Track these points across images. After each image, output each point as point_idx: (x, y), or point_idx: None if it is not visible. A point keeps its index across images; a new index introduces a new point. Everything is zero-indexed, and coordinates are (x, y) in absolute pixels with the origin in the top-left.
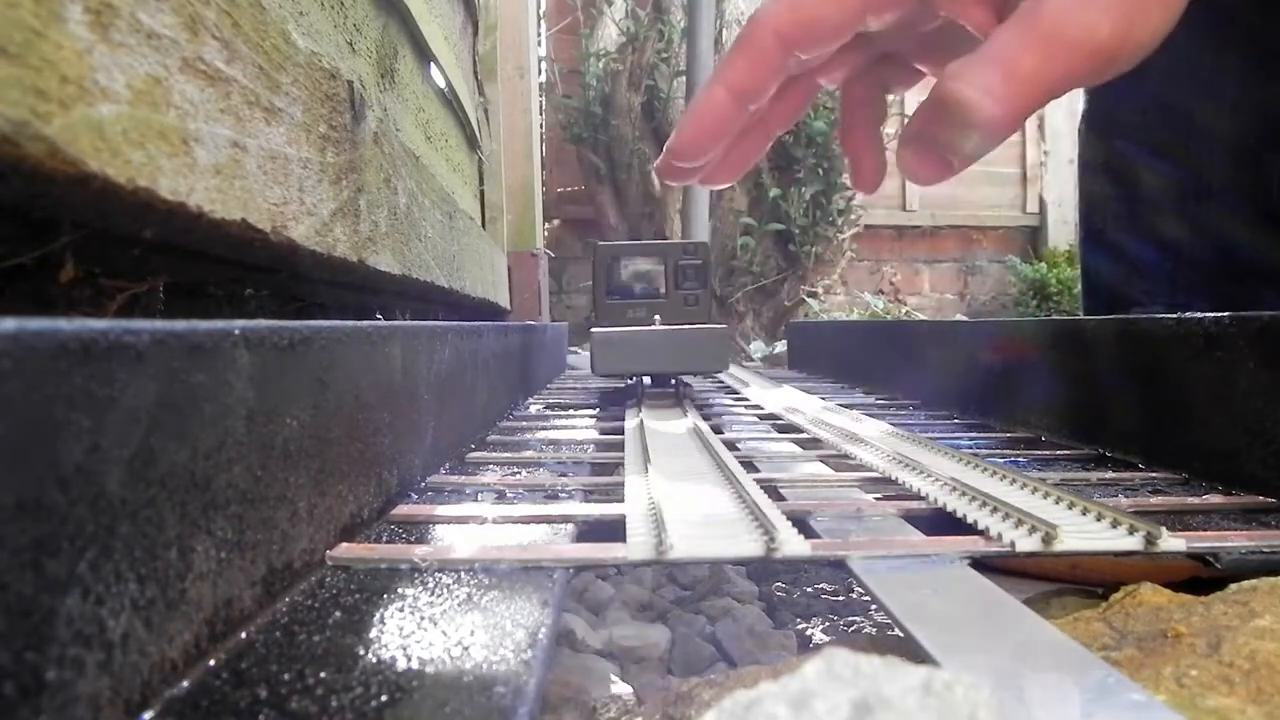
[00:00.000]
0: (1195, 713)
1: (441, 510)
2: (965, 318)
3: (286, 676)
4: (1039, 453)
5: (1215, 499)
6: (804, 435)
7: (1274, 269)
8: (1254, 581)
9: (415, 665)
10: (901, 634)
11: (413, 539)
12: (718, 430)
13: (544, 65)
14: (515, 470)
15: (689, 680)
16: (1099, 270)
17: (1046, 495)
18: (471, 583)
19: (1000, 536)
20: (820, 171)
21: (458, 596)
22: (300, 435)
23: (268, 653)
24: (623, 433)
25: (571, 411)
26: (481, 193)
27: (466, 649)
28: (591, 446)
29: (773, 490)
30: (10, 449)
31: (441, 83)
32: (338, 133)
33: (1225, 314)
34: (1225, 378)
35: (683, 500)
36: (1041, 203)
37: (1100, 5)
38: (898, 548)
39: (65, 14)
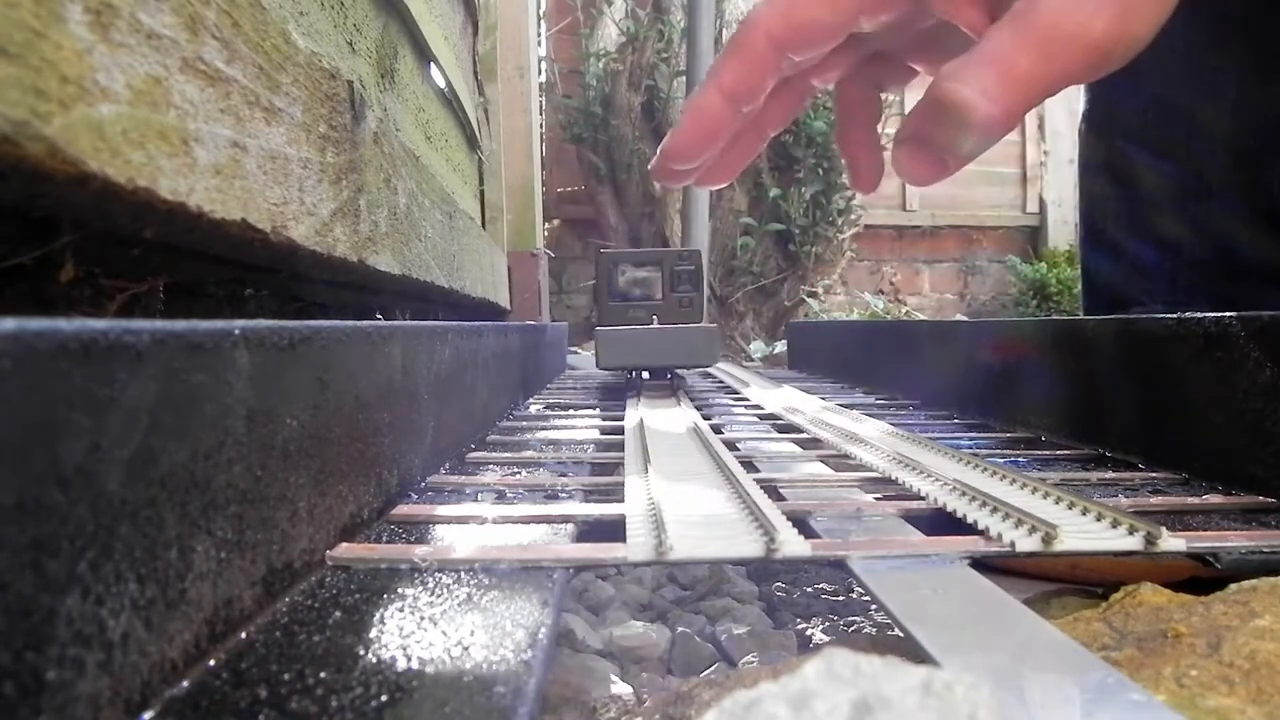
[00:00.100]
0: (1195, 713)
1: (441, 510)
2: (965, 318)
3: (286, 676)
4: (1039, 453)
5: (1215, 499)
6: (804, 435)
7: (1274, 269)
8: (1254, 581)
9: (415, 665)
10: (901, 634)
11: (413, 539)
12: (718, 430)
13: (544, 65)
14: (515, 470)
15: (689, 680)
16: (1099, 270)
17: (1046, 495)
18: (471, 583)
19: (1000, 536)
20: (820, 171)
21: (458, 596)
22: (300, 435)
23: (268, 653)
24: (623, 433)
25: (571, 411)
26: (481, 193)
27: (466, 649)
28: (591, 446)
29: (773, 490)
30: (10, 449)
31: (441, 83)
32: (338, 133)
33: (1225, 314)
34: (1225, 378)
35: (683, 500)
36: (1041, 203)
37: (1093, 3)
38: (898, 548)
39: (65, 14)
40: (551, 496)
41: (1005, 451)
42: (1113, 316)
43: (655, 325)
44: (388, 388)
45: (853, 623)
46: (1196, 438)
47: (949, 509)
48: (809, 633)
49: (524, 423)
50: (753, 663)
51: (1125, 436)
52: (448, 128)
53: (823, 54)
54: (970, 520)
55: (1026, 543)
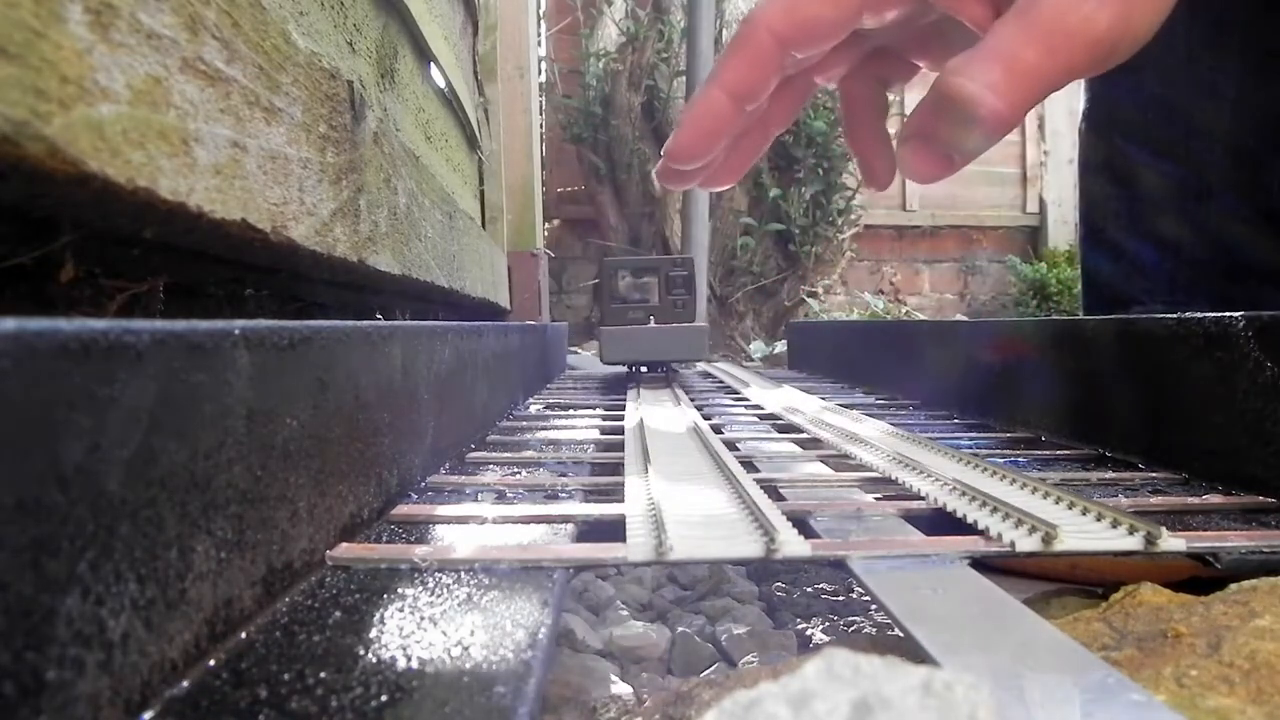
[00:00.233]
0: (1195, 713)
1: (441, 510)
2: (965, 318)
3: (286, 676)
4: (1039, 453)
5: (1215, 499)
6: (804, 435)
7: (1274, 269)
8: (1254, 581)
9: (415, 665)
10: (901, 634)
11: (413, 539)
12: (718, 430)
13: (544, 65)
14: (515, 470)
15: (689, 680)
16: (1099, 270)
17: (1046, 495)
18: (471, 583)
19: (1000, 536)
20: (820, 171)
21: (458, 596)
22: (300, 435)
23: (268, 653)
24: (623, 433)
25: (571, 411)
26: (481, 193)
27: (466, 649)
28: (591, 446)
29: (773, 490)
30: (10, 449)
31: (441, 83)
32: (338, 133)
33: (1225, 314)
34: (1225, 378)
35: (683, 500)
36: (1041, 203)
37: None
38: (898, 548)
39: (65, 14)
40: (551, 496)
41: (1005, 451)
42: (1113, 316)
43: (652, 325)
44: (388, 388)
45: (853, 623)
46: (1196, 438)
47: (949, 509)
48: (809, 633)
49: (524, 423)
50: (753, 663)
51: (1125, 436)
52: (448, 128)
53: (825, 51)
54: (970, 520)
55: (1026, 543)
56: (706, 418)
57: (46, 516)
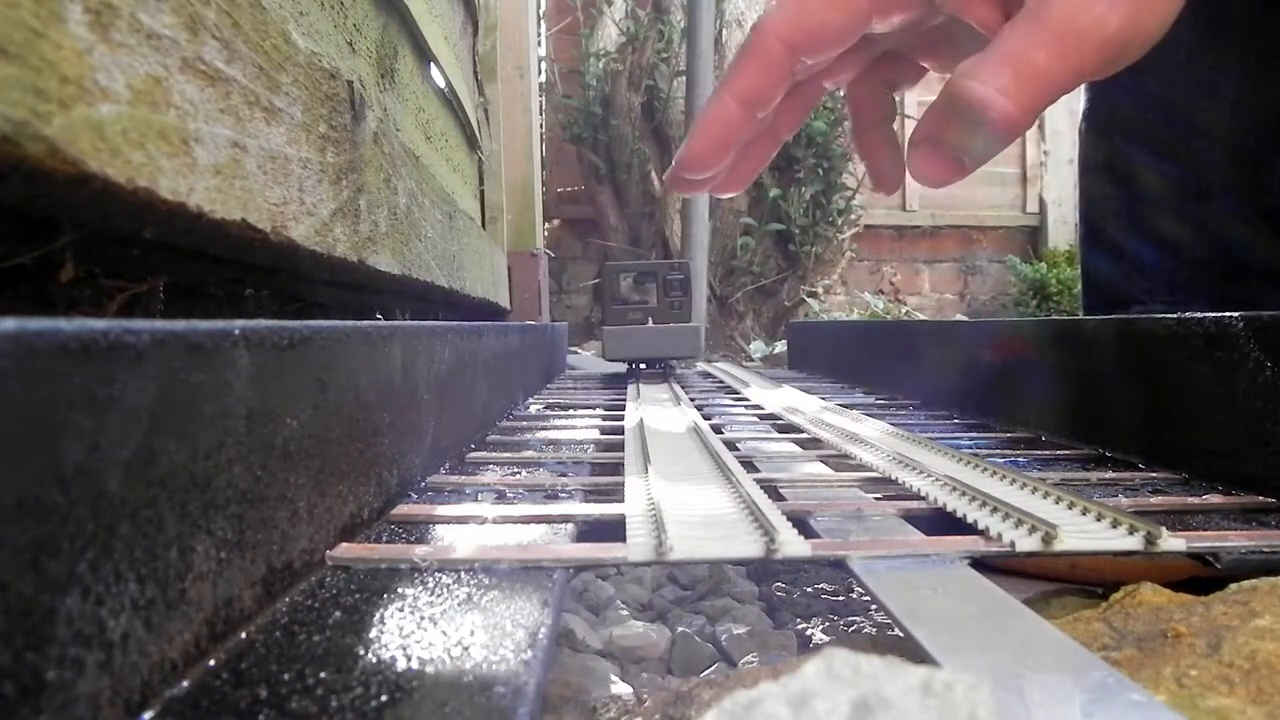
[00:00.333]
0: (1195, 713)
1: (441, 510)
2: (965, 318)
3: (286, 676)
4: (1039, 453)
5: (1215, 499)
6: (804, 435)
7: (1274, 269)
8: (1254, 581)
9: (415, 665)
10: (901, 634)
11: (413, 539)
12: (718, 430)
13: (544, 65)
14: (515, 470)
15: (689, 680)
16: (1099, 270)
17: (1046, 495)
18: (471, 583)
19: (1000, 536)
20: (820, 171)
21: (458, 596)
22: (300, 435)
23: (268, 653)
24: (623, 433)
25: (571, 411)
26: (481, 193)
27: (466, 649)
28: (591, 446)
29: (773, 490)
30: (10, 449)
31: (441, 83)
32: (338, 133)
33: (1225, 314)
34: (1225, 378)
35: (683, 500)
36: (1041, 203)
37: None
38: (898, 548)
39: (65, 14)
40: (551, 496)
41: (1005, 451)
42: (1113, 316)
43: (651, 325)
44: (388, 388)
45: (853, 623)
46: (1196, 438)
47: (949, 509)
48: (809, 633)
49: (524, 423)
50: (753, 663)
51: (1125, 436)
52: (448, 128)
53: (834, 56)
54: (970, 520)
55: (1026, 543)
56: (706, 418)
57: (46, 516)
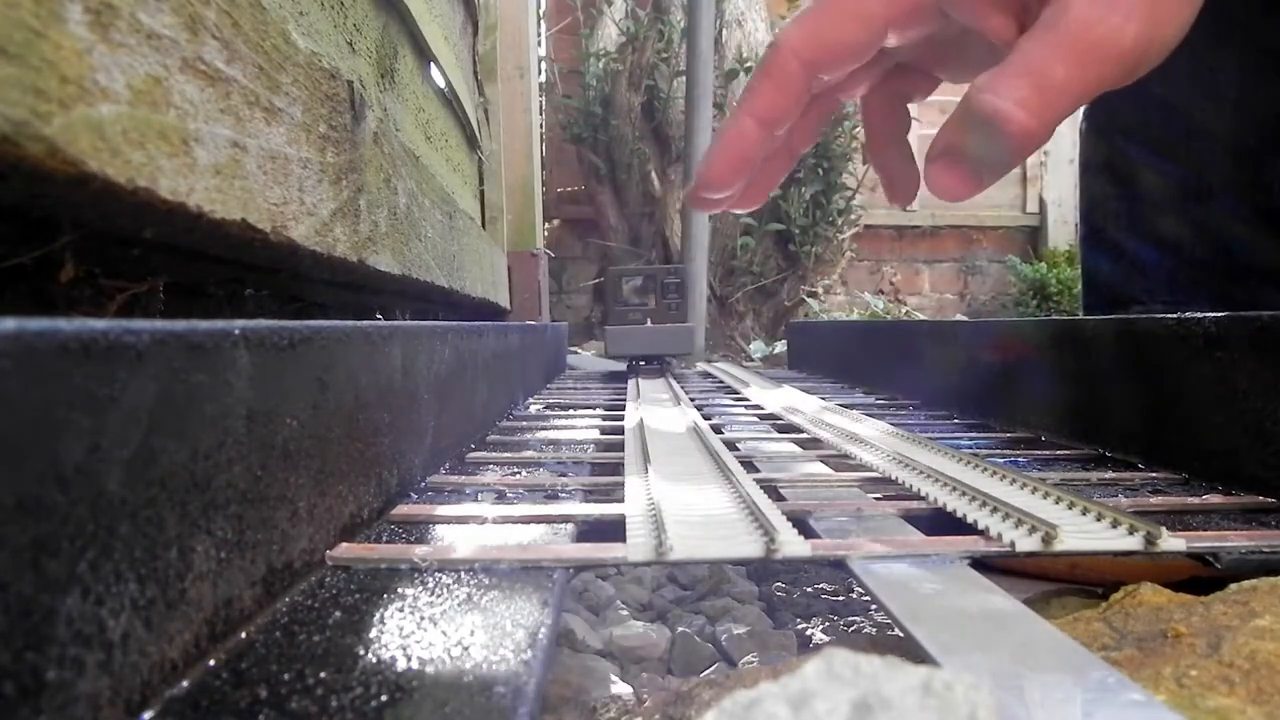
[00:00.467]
0: (1195, 713)
1: (441, 510)
2: (965, 318)
3: (286, 676)
4: (1039, 453)
5: (1215, 499)
6: (804, 435)
7: (1274, 269)
8: (1254, 581)
9: (415, 665)
10: (901, 634)
11: (413, 539)
12: (718, 430)
13: (544, 65)
14: (515, 470)
15: (689, 680)
16: (1099, 270)
17: (1046, 495)
18: (471, 583)
19: (1000, 536)
20: (820, 171)
21: (458, 596)
22: (300, 435)
23: (268, 653)
24: (623, 433)
25: (571, 411)
26: (481, 193)
27: (466, 649)
28: (591, 447)
29: (773, 490)
30: (10, 449)
31: (441, 83)
32: (338, 133)
33: (1225, 314)
34: (1225, 378)
35: (682, 500)
36: (1041, 203)
37: (1124, 9)
38: (898, 548)
39: (65, 14)
40: (551, 496)
41: (1005, 451)
42: (1113, 316)
43: (649, 325)
44: (388, 388)
45: (853, 623)
46: (1196, 438)
47: (949, 509)
48: (809, 633)
49: (524, 423)
50: (753, 663)
51: (1125, 436)
52: (448, 128)
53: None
54: (970, 520)
55: (1026, 543)
56: (706, 418)
57: (46, 516)
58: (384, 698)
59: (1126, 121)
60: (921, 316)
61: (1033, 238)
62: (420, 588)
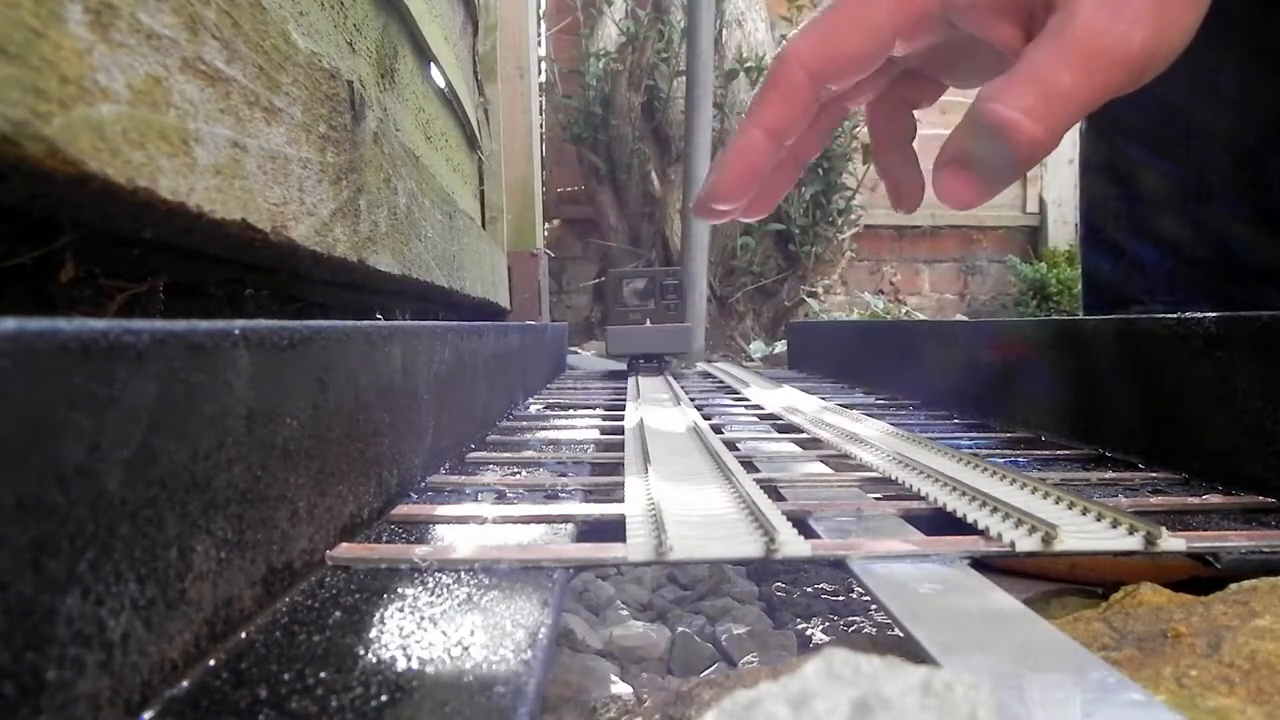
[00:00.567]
0: (1195, 713)
1: (441, 510)
2: (965, 318)
3: (286, 676)
4: (1039, 453)
5: (1215, 499)
6: (804, 435)
7: (1274, 269)
8: (1254, 581)
9: (415, 665)
10: (901, 634)
11: (413, 539)
12: (718, 430)
13: (544, 65)
14: (515, 470)
15: (689, 680)
16: (1099, 270)
17: (1046, 495)
18: (471, 583)
19: (1000, 536)
20: (820, 171)
21: (457, 596)
22: (300, 435)
23: (268, 653)
24: (623, 433)
25: (571, 411)
26: (481, 193)
27: (466, 649)
28: (591, 447)
29: (773, 490)
30: (10, 449)
31: (441, 83)
32: (338, 133)
33: (1225, 314)
34: (1225, 378)
35: (682, 500)
36: (1041, 203)
37: (1130, 15)
38: (898, 548)
39: (65, 14)
40: (551, 496)
41: (1005, 451)
42: (1113, 316)
43: (648, 325)
44: (388, 388)
45: (853, 623)
46: (1196, 438)
47: (949, 509)
48: (809, 633)
49: (524, 423)
50: (753, 663)
51: (1125, 436)
52: (448, 128)
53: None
54: (970, 520)
55: (1026, 543)
56: (706, 418)
57: (46, 516)
58: (384, 698)
59: (1126, 121)
60: (921, 316)
61: (1033, 238)
62: (420, 588)
